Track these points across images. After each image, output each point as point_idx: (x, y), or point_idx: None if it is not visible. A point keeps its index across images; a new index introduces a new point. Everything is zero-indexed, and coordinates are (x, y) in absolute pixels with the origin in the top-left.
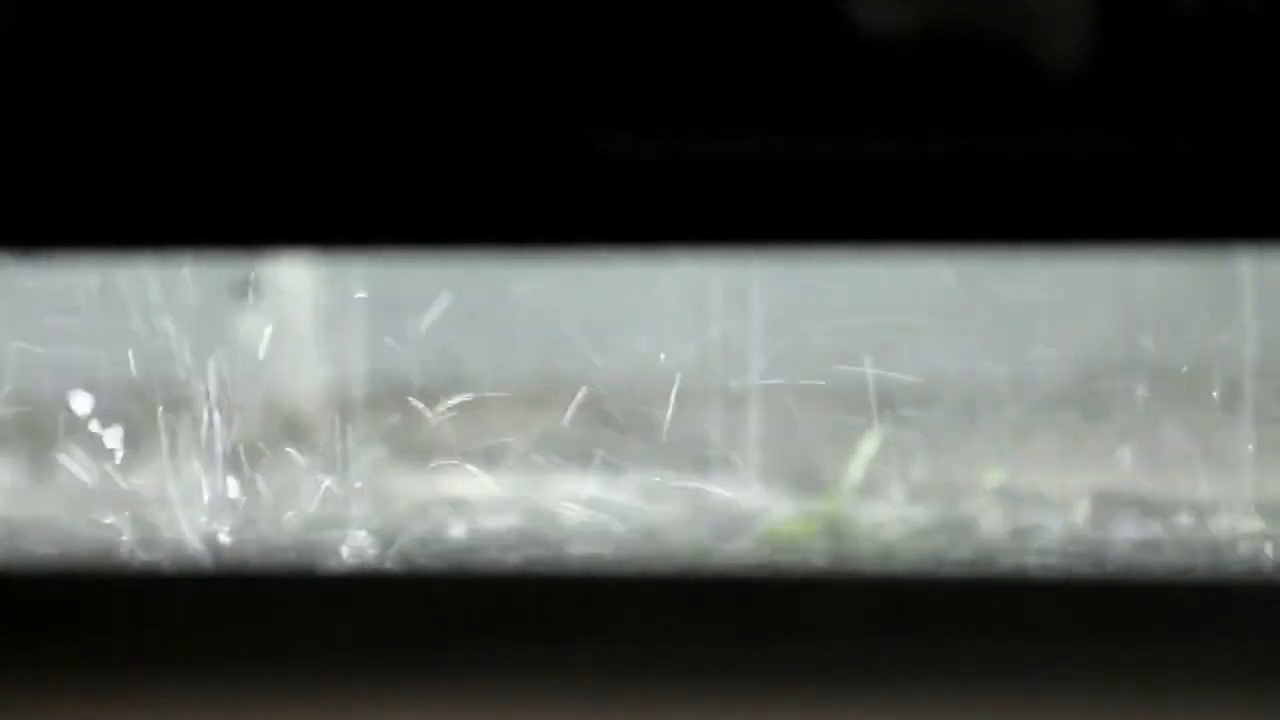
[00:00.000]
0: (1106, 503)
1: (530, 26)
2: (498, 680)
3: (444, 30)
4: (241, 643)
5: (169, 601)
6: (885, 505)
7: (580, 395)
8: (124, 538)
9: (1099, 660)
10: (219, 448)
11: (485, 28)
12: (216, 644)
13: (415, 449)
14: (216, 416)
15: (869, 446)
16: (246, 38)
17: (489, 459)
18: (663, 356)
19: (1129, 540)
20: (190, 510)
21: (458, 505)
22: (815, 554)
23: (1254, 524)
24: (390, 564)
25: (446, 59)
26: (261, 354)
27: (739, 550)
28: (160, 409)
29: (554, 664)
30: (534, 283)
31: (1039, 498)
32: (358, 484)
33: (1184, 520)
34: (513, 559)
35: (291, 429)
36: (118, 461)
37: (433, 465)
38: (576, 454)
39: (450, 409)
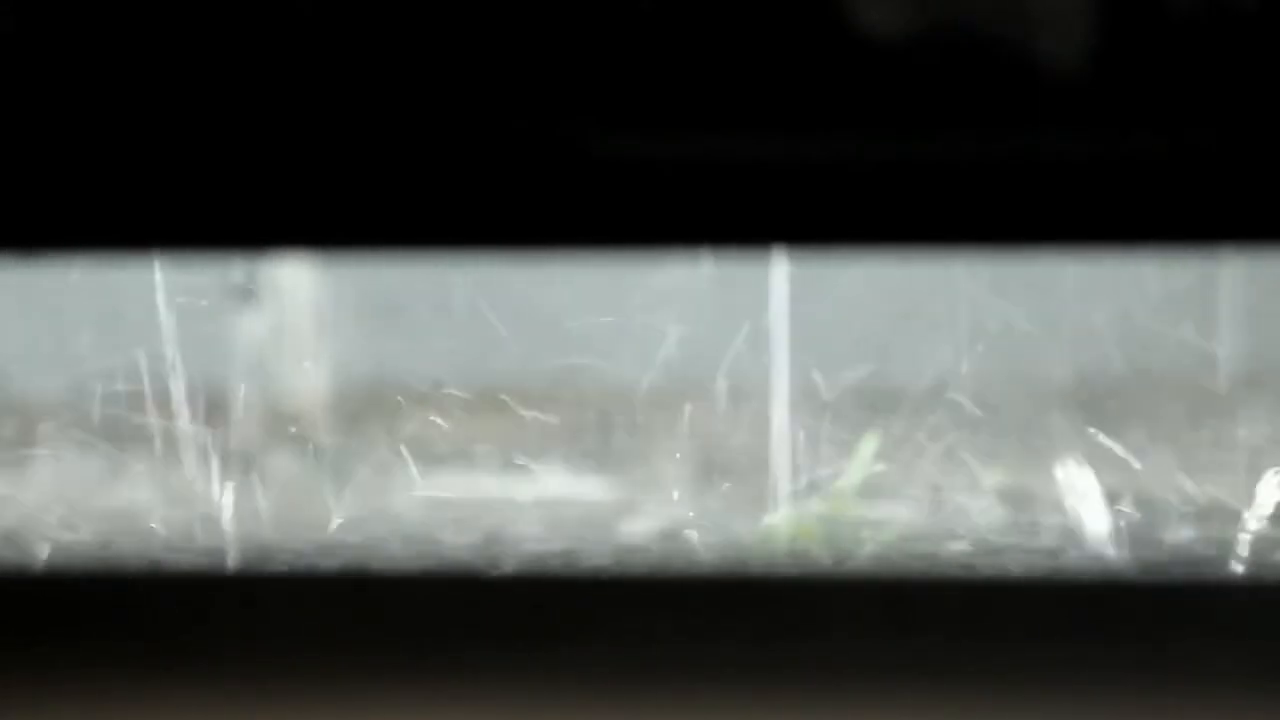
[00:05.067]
0: (1107, 503)
1: (530, 27)
2: (497, 680)
3: (444, 31)
4: (242, 643)
5: (169, 601)
6: (885, 506)
7: (579, 397)
8: (122, 539)
9: (1099, 660)
10: (217, 448)
11: (486, 28)
12: (217, 644)
13: (413, 449)
14: (215, 416)
15: (868, 448)
16: (246, 38)
17: (490, 459)
18: (660, 357)
19: (1129, 540)
20: (189, 511)
21: (457, 505)
22: (815, 555)
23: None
24: (389, 564)
25: (446, 60)
26: (260, 354)
27: (738, 551)
28: (159, 409)
29: (554, 664)
30: (532, 283)
31: (1039, 499)
32: (355, 484)
33: (1184, 520)
34: (511, 559)
35: (290, 429)
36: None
37: (431, 465)
38: (573, 455)
39: (448, 409)
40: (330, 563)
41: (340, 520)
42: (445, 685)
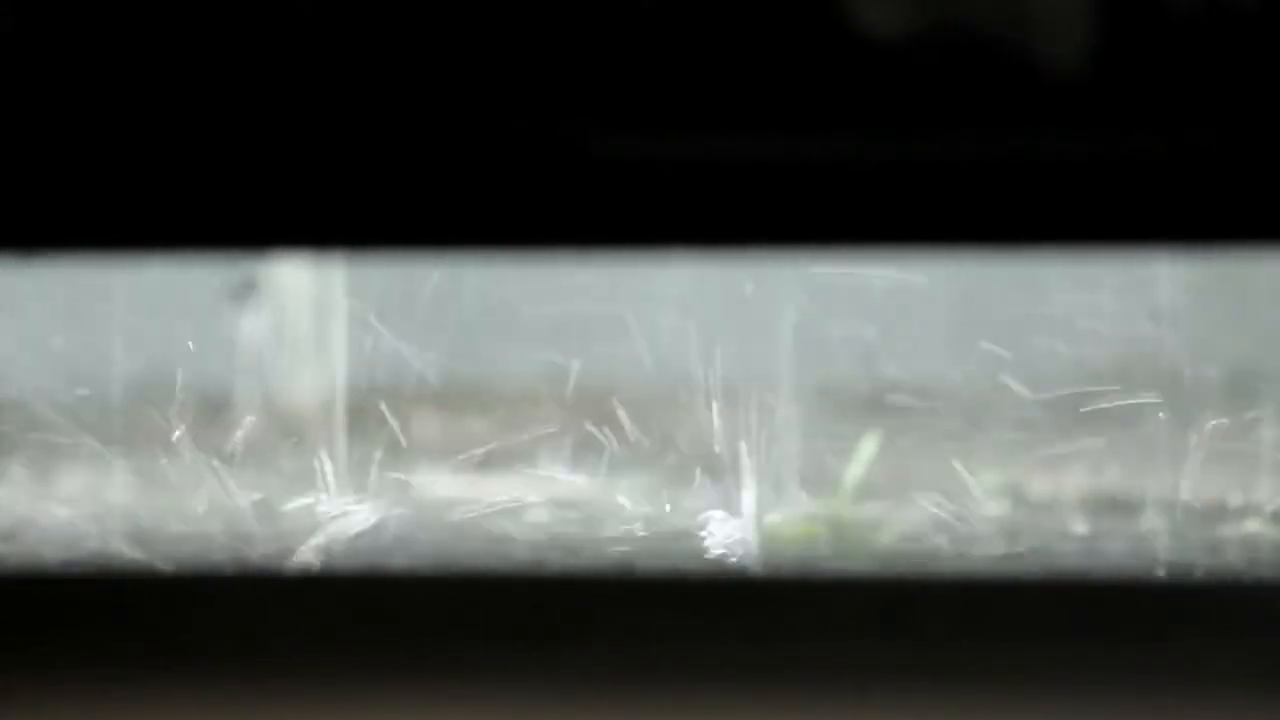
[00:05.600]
0: (1105, 504)
1: (531, 28)
2: (497, 680)
3: (443, 32)
4: (242, 643)
5: (169, 601)
6: (885, 506)
7: (578, 397)
8: (122, 539)
9: (1098, 660)
10: (217, 447)
11: (485, 29)
12: (217, 644)
13: (412, 449)
14: (214, 416)
15: (868, 448)
16: (246, 38)
17: (487, 459)
18: (660, 357)
19: (1128, 541)
20: (189, 510)
21: (455, 505)
22: (815, 555)
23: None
24: (388, 564)
25: (446, 60)
26: (260, 354)
27: (738, 551)
28: (158, 409)
29: (554, 664)
30: (531, 283)
31: (1038, 499)
32: (355, 484)
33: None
34: (510, 559)
35: (289, 429)
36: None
37: (429, 465)
38: (571, 456)
39: (446, 409)
40: (330, 562)
41: (340, 519)
42: (445, 685)
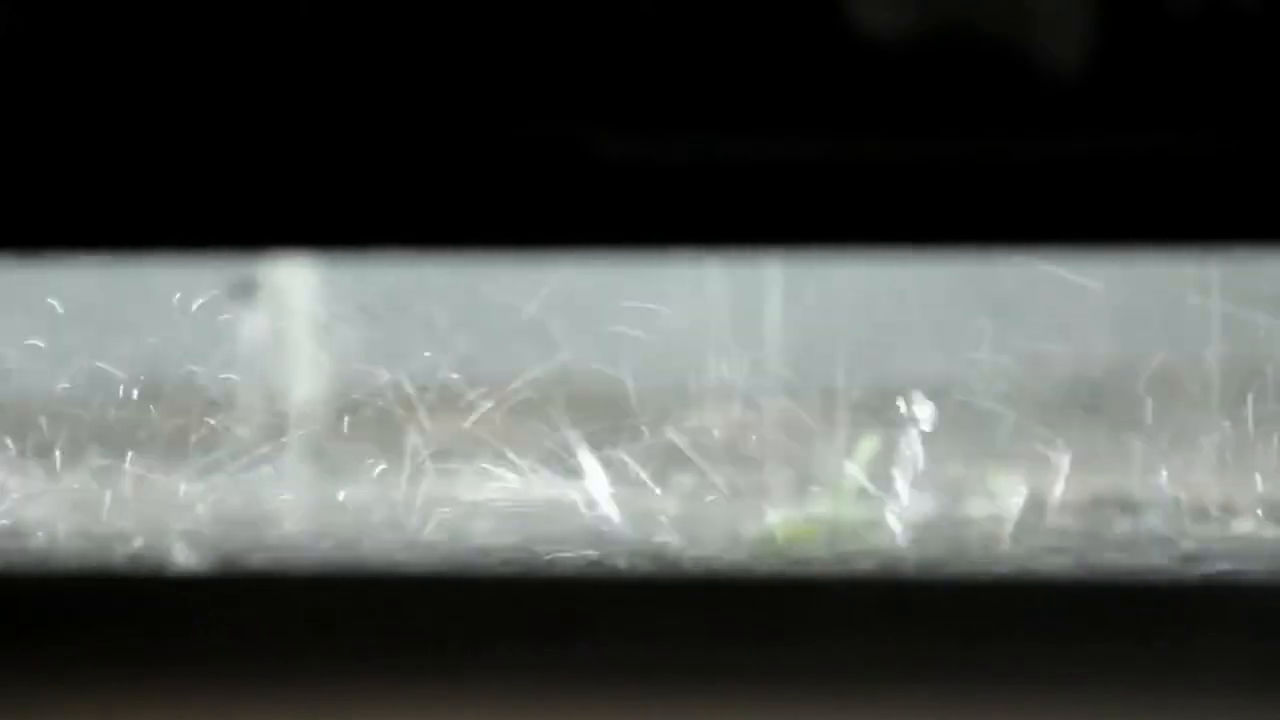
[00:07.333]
0: (1106, 504)
1: (532, 29)
2: (497, 680)
3: (445, 32)
4: (241, 643)
5: (168, 602)
6: (885, 506)
7: (579, 397)
8: (121, 538)
9: (1099, 660)
10: (217, 448)
11: (486, 30)
12: (216, 644)
13: (411, 449)
14: (214, 417)
15: (868, 448)
16: (247, 38)
17: (486, 459)
18: (658, 357)
19: (1128, 540)
20: (189, 510)
21: (454, 505)
22: (815, 555)
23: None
24: (389, 564)
25: (447, 61)
26: (260, 354)
27: (739, 551)
28: (156, 410)
29: (553, 664)
30: (537, 283)
31: (1039, 499)
32: (355, 484)
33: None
34: (510, 559)
35: (289, 428)
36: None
37: (429, 465)
38: (571, 455)
39: (448, 409)
40: (331, 562)
41: (339, 520)
42: (445, 685)
